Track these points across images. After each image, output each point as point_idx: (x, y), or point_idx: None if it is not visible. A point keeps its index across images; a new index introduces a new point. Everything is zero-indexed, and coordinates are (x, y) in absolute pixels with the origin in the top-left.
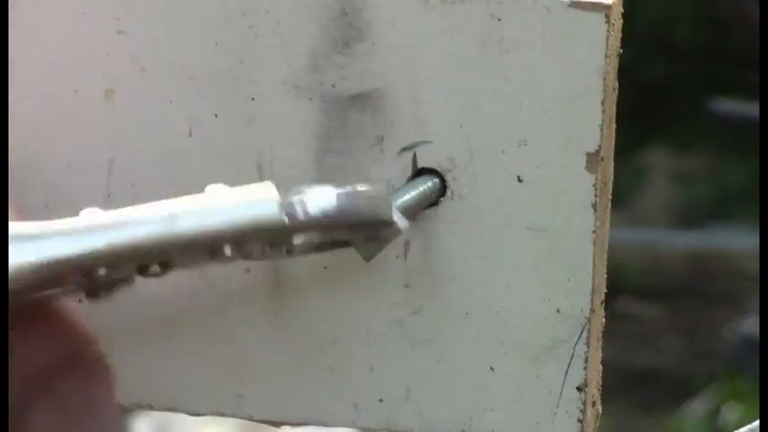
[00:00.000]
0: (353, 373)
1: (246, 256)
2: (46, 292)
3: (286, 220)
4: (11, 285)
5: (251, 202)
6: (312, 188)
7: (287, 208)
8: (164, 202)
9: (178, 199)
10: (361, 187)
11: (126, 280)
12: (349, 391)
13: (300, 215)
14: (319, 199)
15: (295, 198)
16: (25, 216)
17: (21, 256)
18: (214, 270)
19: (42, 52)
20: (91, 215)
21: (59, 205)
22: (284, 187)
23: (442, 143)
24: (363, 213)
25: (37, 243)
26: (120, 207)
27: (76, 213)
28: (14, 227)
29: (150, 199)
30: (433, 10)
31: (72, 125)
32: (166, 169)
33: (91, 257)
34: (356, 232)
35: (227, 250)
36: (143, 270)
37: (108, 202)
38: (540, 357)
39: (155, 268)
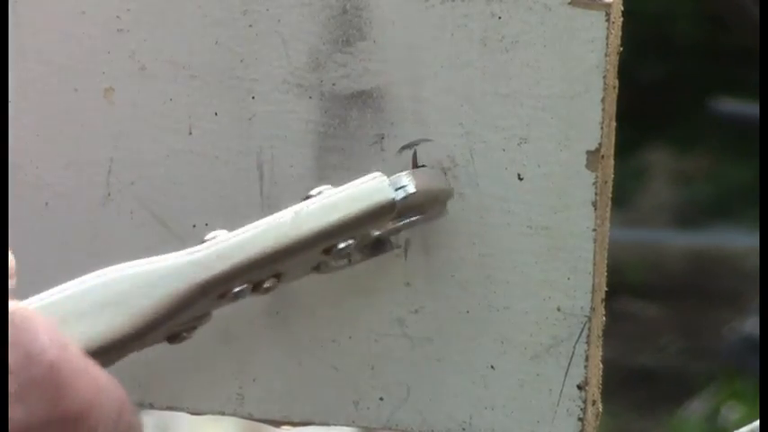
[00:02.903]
0: (354, 372)
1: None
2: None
3: (397, 197)
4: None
5: (363, 187)
6: (398, 175)
7: (395, 186)
8: (280, 213)
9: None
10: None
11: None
12: (349, 389)
13: (408, 192)
14: (414, 179)
15: (397, 181)
16: (25, 216)
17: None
18: None
19: (42, 52)
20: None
21: (59, 205)
22: (286, 186)
23: (443, 141)
24: (440, 186)
25: (182, 271)
26: (120, 207)
27: (76, 213)
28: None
29: (150, 198)
30: (433, 8)
31: (72, 125)
32: (166, 169)
33: (231, 272)
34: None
35: (342, 243)
36: (257, 287)
37: (108, 201)
38: (540, 356)
39: (270, 281)
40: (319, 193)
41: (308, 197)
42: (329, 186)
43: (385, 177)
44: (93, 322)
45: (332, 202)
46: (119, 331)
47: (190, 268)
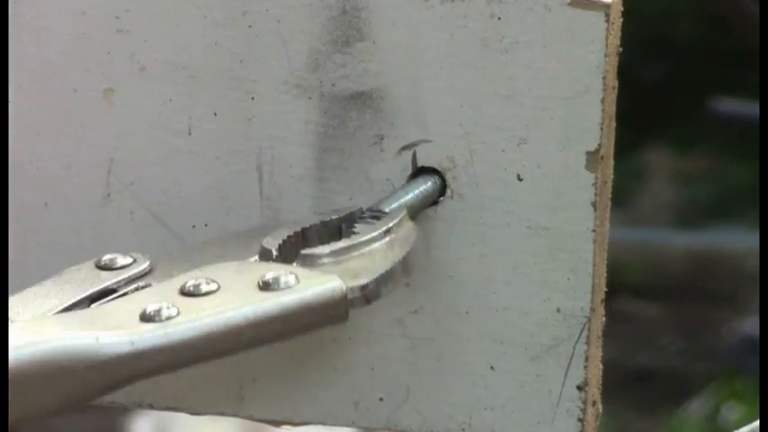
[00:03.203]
0: (354, 373)
1: None
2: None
3: (353, 303)
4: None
5: (318, 297)
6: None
7: (351, 294)
8: (229, 310)
9: (246, 305)
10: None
11: None
12: (349, 390)
13: (368, 299)
14: (378, 281)
15: (355, 285)
16: (26, 216)
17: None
18: None
19: (42, 52)
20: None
21: (59, 205)
22: (285, 186)
23: (442, 142)
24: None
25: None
26: (120, 207)
27: (76, 213)
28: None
29: (150, 198)
30: (433, 9)
31: (72, 125)
32: (166, 169)
33: (168, 367)
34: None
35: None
36: None
37: (108, 201)
38: (540, 356)
39: None
40: (275, 279)
41: (265, 283)
42: (288, 272)
43: (342, 286)
44: (19, 393)
45: (281, 312)
46: (38, 405)
47: (120, 360)
